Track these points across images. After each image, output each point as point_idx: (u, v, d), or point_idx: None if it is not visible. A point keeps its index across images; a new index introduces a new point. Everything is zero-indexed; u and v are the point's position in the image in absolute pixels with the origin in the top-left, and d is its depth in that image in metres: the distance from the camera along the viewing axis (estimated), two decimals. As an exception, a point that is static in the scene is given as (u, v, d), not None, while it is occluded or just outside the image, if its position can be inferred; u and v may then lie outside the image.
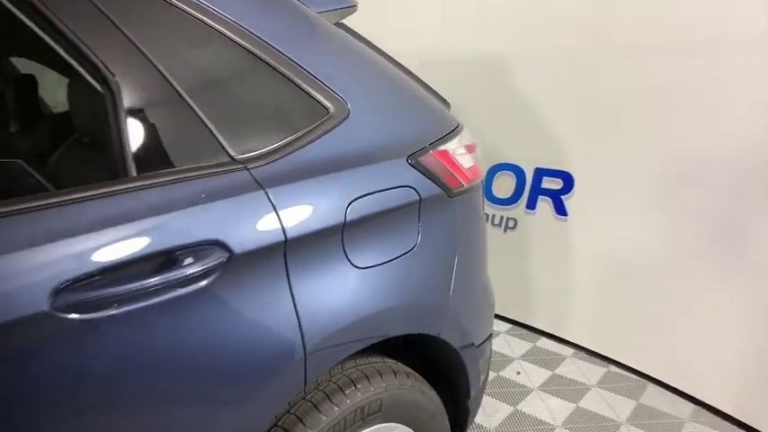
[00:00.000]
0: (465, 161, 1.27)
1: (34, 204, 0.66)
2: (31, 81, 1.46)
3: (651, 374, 2.30)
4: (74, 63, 0.76)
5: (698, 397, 2.13)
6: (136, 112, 0.79)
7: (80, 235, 0.67)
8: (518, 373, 2.38)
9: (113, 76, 0.76)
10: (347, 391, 1.03)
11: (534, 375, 2.35)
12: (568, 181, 2.44)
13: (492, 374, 2.33)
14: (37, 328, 0.63)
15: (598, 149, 2.32)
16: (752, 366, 1.92)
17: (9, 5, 0.73)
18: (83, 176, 0.84)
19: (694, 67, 1.99)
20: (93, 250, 0.68)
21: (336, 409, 1.00)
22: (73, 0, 0.76)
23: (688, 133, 2.02)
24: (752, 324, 1.90)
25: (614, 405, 2.13)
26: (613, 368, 2.41)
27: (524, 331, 2.73)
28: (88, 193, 0.71)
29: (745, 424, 1.97)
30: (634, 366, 2.36)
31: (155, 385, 0.74)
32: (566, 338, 2.62)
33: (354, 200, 0.98)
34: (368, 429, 1.09)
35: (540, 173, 2.54)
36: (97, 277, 0.67)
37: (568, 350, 2.57)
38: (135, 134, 0.77)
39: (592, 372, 2.38)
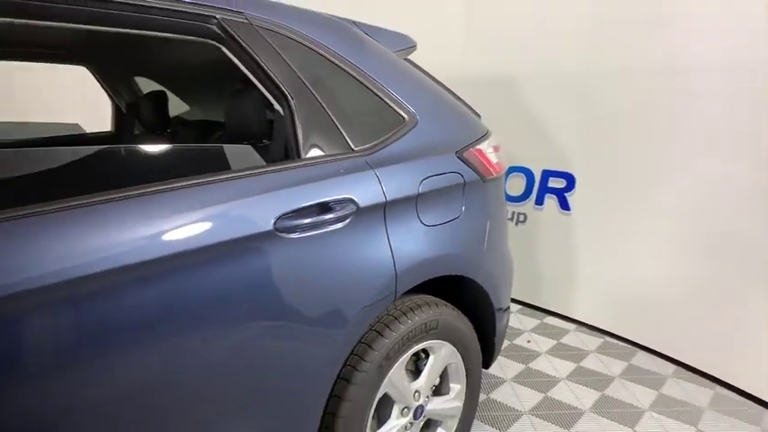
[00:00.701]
0: (493, 158, 1.76)
1: (261, 171, 1.16)
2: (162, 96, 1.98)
3: (640, 342, 2.75)
4: (267, 90, 1.27)
5: (678, 358, 2.58)
6: (303, 121, 1.28)
7: (286, 188, 1.17)
8: (528, 341, 2.83)
9: (293, 101, 1.26)
10: (416, 311, 1.50)
11: (542, 343, 2.80)
12: (571, 181, 2.92)
13: (506, 343, 2.79)
14: (266, 240, 1.12)
15: (595, 154, 2.80)
16: (721, 326, 2.38)
17: (233, 57, 1.24)
18: (275, 157, 1.32)
19: (673, 88, 2.46)
20: (293, 196, 1.17)
21: (410, 322, 1.48)
22: (267, 54, 1.26)
23: (667, 139, 2.50)
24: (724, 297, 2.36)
25: (609, 365, 2.58)
26: (609, 339, 2.86)
27: (533, 311, 3.19)
28: (284, 166, 1.20)
29: (718, 379, 2.41)
30: (626, 336, 2.81)
31: (320, 284, 1.22)
32: (569, 316, 3.07)
33: (424, 179, 1.47)
34: (428, 342, 1.56)
35: (546, 174, 3.02)
36: (293, 213, 1.16)
37: (571, 325, 3.02)
38: (304, 134, 1.27)
39: (591, 341, 2.84)
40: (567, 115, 2.88)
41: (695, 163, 2.41)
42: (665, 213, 2.55)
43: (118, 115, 2.39)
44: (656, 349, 2.68)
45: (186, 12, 1.17)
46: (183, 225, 1.00)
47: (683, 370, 2.54)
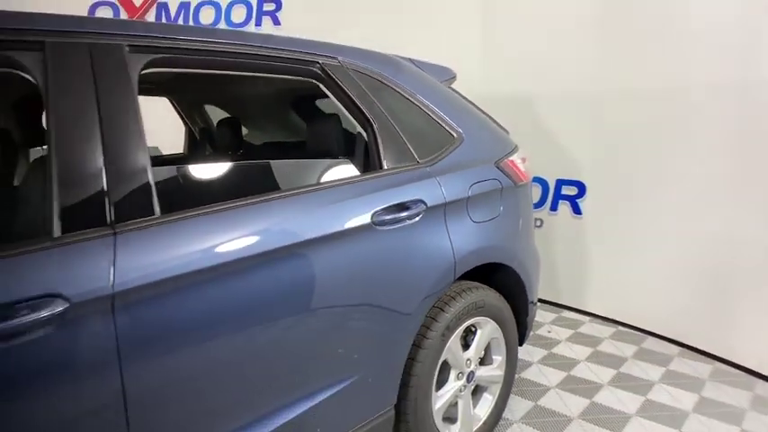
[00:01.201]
0: (522, 167, 2.13)
1: (359, 178, 1.53)
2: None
3: (648, 329, 3.09)
4: (354, 117, 1.64)
5: (682, 341, 2.92)
6: (383, 140, 1.65)
7: (377, 191, 1.53)
8: (549, 331, 3.17)
9: (375, 125, 1.63)
10: (468, 293, 1.85)
11: (561, 333, 3.14)
12: (582, 188, 3.29)
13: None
14: (366, 230, 1.48)
15: (603, 164, 3.17)
16: (714, 312, 2.72)
17: (328, 92, 1.61)
18: (364, 169, 1.68)
19: (670, 106, 2.84)
20: (382, 197, 1.53)
21: (464, 300, 1.83)
22: (354, 89, 1.64)
23: (666, 150, 2.86)
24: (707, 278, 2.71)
25: (622, 348, 2.91)
26: (620, 327, 3.20)
27: (551, 306, 3.53)
28: (373, 175, 1.57)
29: (716, 356, 2.75)
30: (636, 324, 3.15)
31: (402, 267, 1.57)
32: (583, 309, 3.41)
33: (472, 184, 1.83)
34: (476, 318, 1.90)
35: (559, 182, 3.39)
36: (383, 210, 1.52)
37: (586, 317, 3.36)
38: (384, 150, 1.64)
39: (604, 330, 3.17)
40: (577, 130, 3.26)
41: (691, 170, 2.77)
42: (665, 215, 2.90)
43: (191, 139, 2.75)
44: (663, 334, 3.01)
45: (298, 58, 1.55)
46: (313, 219, 1.37)
47: (687, 350, 2.87)
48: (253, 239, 1.25)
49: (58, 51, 1.08)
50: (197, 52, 1.32)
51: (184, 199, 1.41)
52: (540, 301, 3.57)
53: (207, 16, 4.46)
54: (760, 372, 2.57)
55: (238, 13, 4.44)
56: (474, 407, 2.02)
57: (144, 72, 1.20)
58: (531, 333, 3.07)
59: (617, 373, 2.63)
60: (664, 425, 2.19)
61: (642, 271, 3.05)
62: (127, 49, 1.18)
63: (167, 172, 1.44)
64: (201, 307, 1.13)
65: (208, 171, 1.48)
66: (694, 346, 2.86)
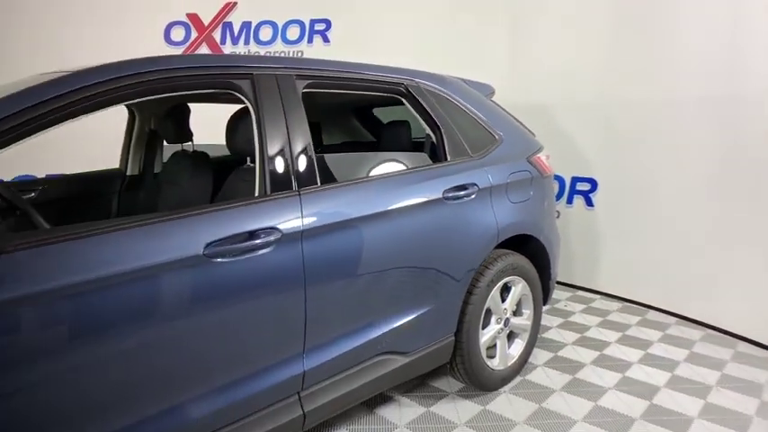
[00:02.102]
0: (546, 163, 2.73)
1: (436, 166, 2.15)
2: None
3: (650, 304, 3.65)
4: (427, 123, 2.25)
5: (678, 312, 3.47)
6: (447, 140, 2.26)
7: (444, 176, 2.14)
8: (565, 305, 3.74)
9: (442, 129, 2.24)
10: (505, 257, 2.44)
11: (576, 307, 3.71)
12: (594, 184, 3.86)
13: (548, 307, 3.69)
14: (439, 202, 2.08)
15: (613, 163, 3.74)
16: (704, 284, 3.28)
17: (409, 105, 2.23)
18: (433, 160, 2.29)
19: (669, 114, 3.41)
20: (448, 180, 2.13)
21: (502, 262, 2.42)
22: (428, 103, 2.25)
23: (666, 151, 3.44)
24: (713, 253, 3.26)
25: (628, 319, 3.48)
26: (626, 303, 3.76)
27: (566, 287, 4.10)
28: (441, 164, 2.18)
29: (706, 323, 3.30)
30: (639, 300, 3.71)
31: (463, 232, 2.17)
32: (594, 288, 3.98)
33: (510, 173, 2.43)
34: (511, 277, 2.48)
35: (575, 179, 3.97)
36: (450, 189, 2.13)
37: (597, 296, 3.93)
38: (448, 147, 2.24)
39: (613, 305, 3.74)
40: (590, 134, 3.84)
41: (686, 169, 3.34)
42: (665, 206, 3.46)
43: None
44: (662, 308, 3.57)
45: (390, 82, 2.17)
46: (410, 192, 1.98)
47: (682, 320, 3.43)
48: (375, 203, 1.86)
49: (260, 79, 1.70)
50: (332, 78, 1.96)
51: (331, 175, 2.01)
52: (557, 282, 4.16)
53: (265, 34, 5.11)
54: (741, 334, 3.12)
55: (293, 32, 5.09)
56: (508, 347, 2.60)
57: (304, 91, 1.82)
58: (550, 307, 3.66)
59: (622, 335, 3.20)
60: (659, 369, 2.75)
61: (645, 254, 3.62)
62: (295, 77, 1.80)
63: (320, 158, 2.05)
64: (348, 243, 1.75)
65: (342, 159, 2.10)
66: (688, 316, 3.42)
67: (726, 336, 3.18)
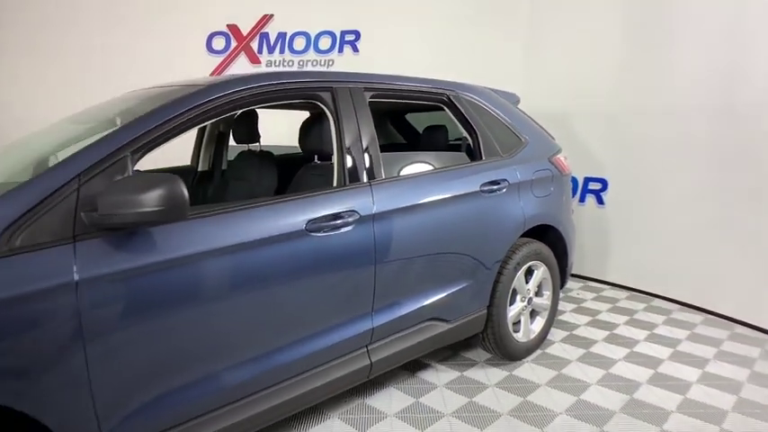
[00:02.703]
0: (565, 163, 3.12)
1: (471, 164, 2.54)
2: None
3: (655, 293, 4.01)
4: (464, 128, 2.65)
5: (680, 299, 3.84)
6: (482, 142, 2.65)
7: (481, 172, 2.53)
8: (578, 294, 4.12)
9: (477, 132, 2.64)
10: (529, 244, 2.83)
11: (587, 295, 4.08)
12: (605, 184, 4.24)
13: (562, 294, 4.06)
14: (476, 194, 2.47)
15: (622, 164, 4.12)
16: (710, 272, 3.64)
17: (450, 113, 2.63)
18: (470, 159, 2.68)
19: (674, 121, 3.78)
20: (484, 175, 2.53)
21: (527, 248, 2.80)
22: (466, 110, 2.65)
23: (671, 154, 3.81)
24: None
25: (635, 306, 3.84)
26: (634, 292, 4.13)
27: (578, 278, 4.47)
28: (477, 162, 2.57)
29: (704, 308, 3.66)
30: (645, 289, 4.08)
31: (496, 219, 2.55)
32: (605, 280, 4.35)
33: (535, 171, 2.82)
34: (533, 261, 2.86)
35: (587, 180, 4.35)
36: (485, 183, 2.52)
37: (607, 286, 4.30)
38: (483, 148, 2.63)
39: (622, 293, 4.10)
40: (601, 138, 4.22)
41: (688, 170, 3.71)
42: (669, 204, 3.84)
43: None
44: (666, 296, 3.94)
45: (435, 92, 2.57)
46: (454, 184, 2.37)
47: (684, 306, 3.80)
48: (427, 193, 2.26)
49: (338, 92, 2.10)
50: (391, 89, 2.36)
51: (389, 170, 2.39)
52: (570, 275, 4.54)
53: (299, 44, 5.52)
54: (738, 318, 3.49)
55: (325, 42, 5.50)
56: (531, 323, 2.98)
57: (370, 101, 2.22)
58: (564, 295, 4.04)
59: (630, 318, 3.57)
60: (663, 346, 3.12)
61: (651, 248, 3.99)
62: (363, 89, 2.20)
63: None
64: (406, 224, 2.15)
65: (396, 156, 2.46)
66: (690, 303, 3.79)
67: (724, 320, 3.54)
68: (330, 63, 5.49)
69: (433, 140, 2.96)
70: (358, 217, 1.96)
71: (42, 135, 2.22)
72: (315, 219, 1.84)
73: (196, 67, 5.33)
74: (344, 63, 5.38)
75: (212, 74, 5.45)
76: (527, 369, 2.82)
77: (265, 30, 5.53)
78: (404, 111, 3.86)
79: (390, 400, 2.48)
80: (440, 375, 2.73)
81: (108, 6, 5.42)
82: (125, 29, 5.38)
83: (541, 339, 3.04)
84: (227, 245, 1.61)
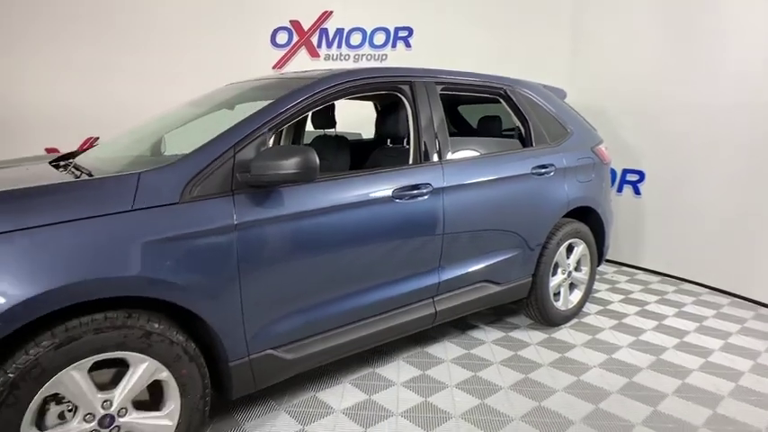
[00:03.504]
0: (606, 153, 3.46)
1: (525, 150, 2.93)
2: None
3: (684, 277, 4.31)
4: (518, 118, 3.04)
5: (708, 284, 4.12)
6: (533, 131, 3.02)
7: (531, 157, 2.92)
8: (612, 277, 4.44)
9: (529, 122, 3.02)
10: (571, 223, 3.19)
11: (621, 278, 4.40)
12: (642, 175, 4.54)
13: (597, 276, 4.39)
14: (529, 176, 2.86)
15: (659, 157, 4.40)
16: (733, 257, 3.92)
17: (506, 105, 3.02)
18: (522, 145, 3.06)
19: (707, 116, 4.05)
20: (534, 159, 2.91)
21: (568, 227, 3.17)
22: (520, 102, 3.03)
23: (704, 148, 4.08)
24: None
25: (666, 288, 4.13)
26: (664, 277, 4.43)
27: (614, 263, 4.79)
28: (528, 149, 2.96)
29: (731, 293, 3.95)
30: (674, 274, 4.37)
31: (545, 198, 2.93)
32: (638, 265, 4.66)
33: (578, 158, 3.18)
34: (574, 239, 3.23)
35: (625, 171, 4.65)
36: (536, 167, 2.90)
37: (640, 271, 4.60)
38: (534, 137, 3.01)
39: (654, 278, 4.41)
40: (639, 132, 4.51)
41: (722, 163, 3.98)
42: (702, 196, 4.11)
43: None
44: (696, 280, 4.23)
45: (494, 86, 2.96)
46: (511, 166, 2.77)
47: (713, 290, 4.08)
48: (488, 172, 2.67)
49: (416, 85, 2.52)
50: (457, 83, 2.77)
51: (456, 152, 2.78)
52: (606, 260, 4.86)
53: (355, 39, 5.95)
54: (764, 301, 3.77)
55: (379, 38, 5.91)
56: (570, 294, 3.36)
57: (440, 93, 2.64)
58: (599, 277, 4.37)
59: (660, 298, 3.89)
60: (690, 321, 3.44)
61: (683, 236, 4.27)
62: (435, 82, 2.62)
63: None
64: (470, 198, 2.56)
65: (461, 141, 2.86)
66: (718, 287, 4.08)
67: (750, 303, 3.83)
68: (383, 58, 5.89)
69: (489, 129, 3.35)
70: (431, 189, 2.38)
71: (169, 116, 2.72)
72: (399, 188, 2.27)
73: (262, 61, 5.82)
74: (397, 58, 5.78)
75: (274, 67, 5.94)
76: (565, 333, 3.20)
77: (325, 25, 5.97)
78: (456, 103, 4.24)
79: (446, 350, 2.91)
80: (488, 334, 3.14)
81: (188, 7, 5.93)
82: (205, 28, 5.89)
83: (578, 309, 3.41)
84: (339, 203, 2.07)
